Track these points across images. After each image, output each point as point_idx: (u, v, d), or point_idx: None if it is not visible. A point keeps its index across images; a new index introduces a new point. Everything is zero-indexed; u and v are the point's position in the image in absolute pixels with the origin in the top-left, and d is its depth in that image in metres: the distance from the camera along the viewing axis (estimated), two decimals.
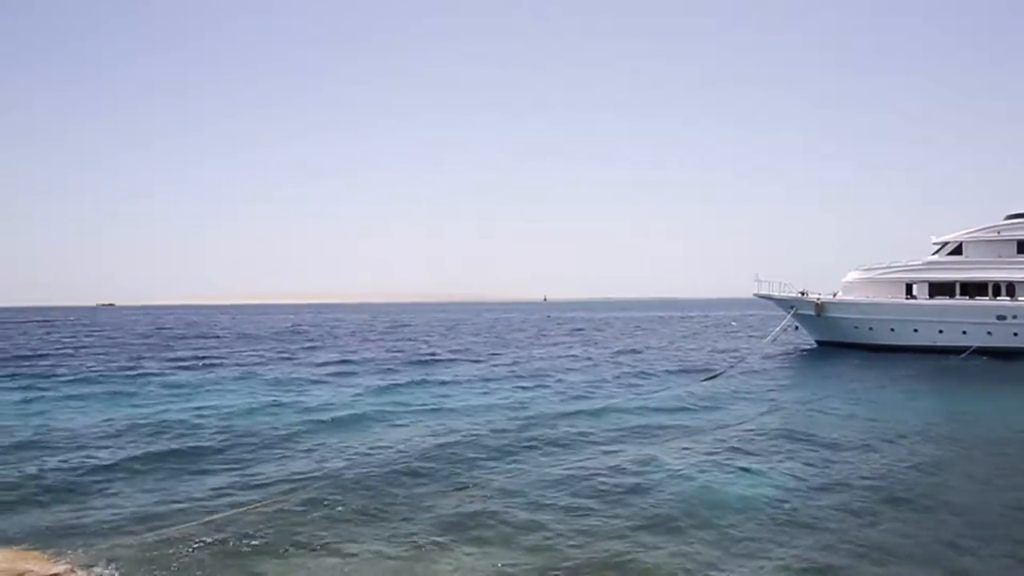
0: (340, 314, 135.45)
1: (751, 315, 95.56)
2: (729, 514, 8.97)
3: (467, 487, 10.27)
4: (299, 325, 78.07)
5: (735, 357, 32.67)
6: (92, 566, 7.15)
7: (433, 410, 17.40)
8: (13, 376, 25.19)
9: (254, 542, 7.96)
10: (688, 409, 17.75)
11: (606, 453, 12.57)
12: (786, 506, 9.29)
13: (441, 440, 13.53)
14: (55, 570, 6.69)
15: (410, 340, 48.02)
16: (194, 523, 8.54)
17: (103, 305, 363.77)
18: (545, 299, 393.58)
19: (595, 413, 16.91)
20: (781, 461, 11.86)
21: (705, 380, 24.01)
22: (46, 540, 8.01)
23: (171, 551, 7.68)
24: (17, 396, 19.92)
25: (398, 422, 15.79)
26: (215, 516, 8.76)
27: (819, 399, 19.23)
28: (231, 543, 7.92)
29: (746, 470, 11.20)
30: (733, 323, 72.99)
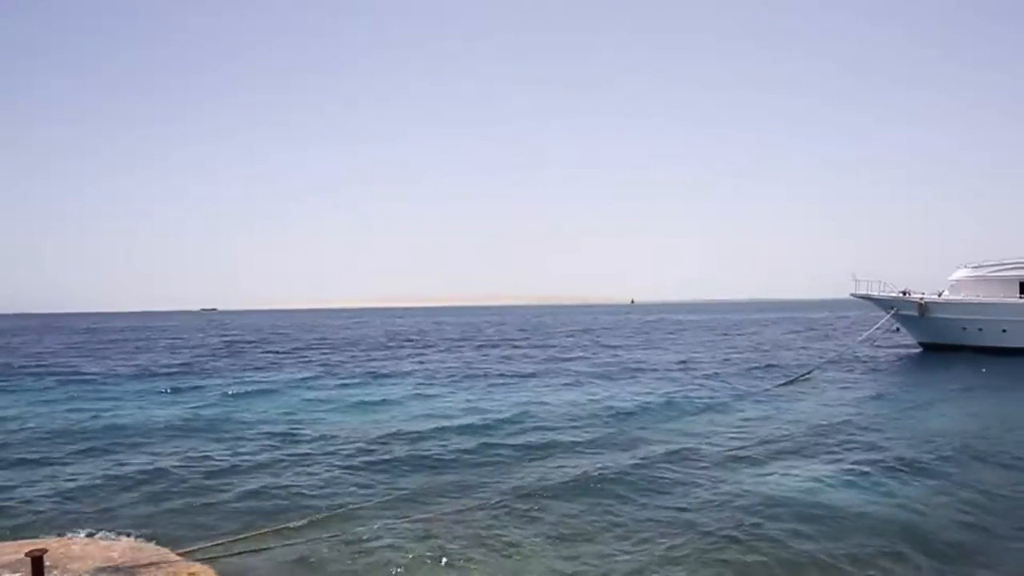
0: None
1: (847, 316, 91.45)
2: (796, 523, 8.66)
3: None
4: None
5: (827, 358, 31.34)
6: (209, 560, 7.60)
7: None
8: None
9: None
10: (766, 416, 17.18)
11: (669, 454, 12.35)
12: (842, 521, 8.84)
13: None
14: (177, 565, 7.13)
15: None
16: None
17: (206, 310, 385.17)
18: (633, 302, 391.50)
19: (664, 411, 16.67)
20: (851, 471, 11.27)
21: (786, 384, 23.21)
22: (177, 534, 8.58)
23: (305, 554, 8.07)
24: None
25: None
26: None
27: (911, 405, 18.29)
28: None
29: (817, 479, 10.79)
30: (829, 324, 70.03)
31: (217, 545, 8.08)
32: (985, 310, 33.33)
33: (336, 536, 8.38)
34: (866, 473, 11.05)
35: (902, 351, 36.37)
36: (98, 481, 11.25)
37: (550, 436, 14.35)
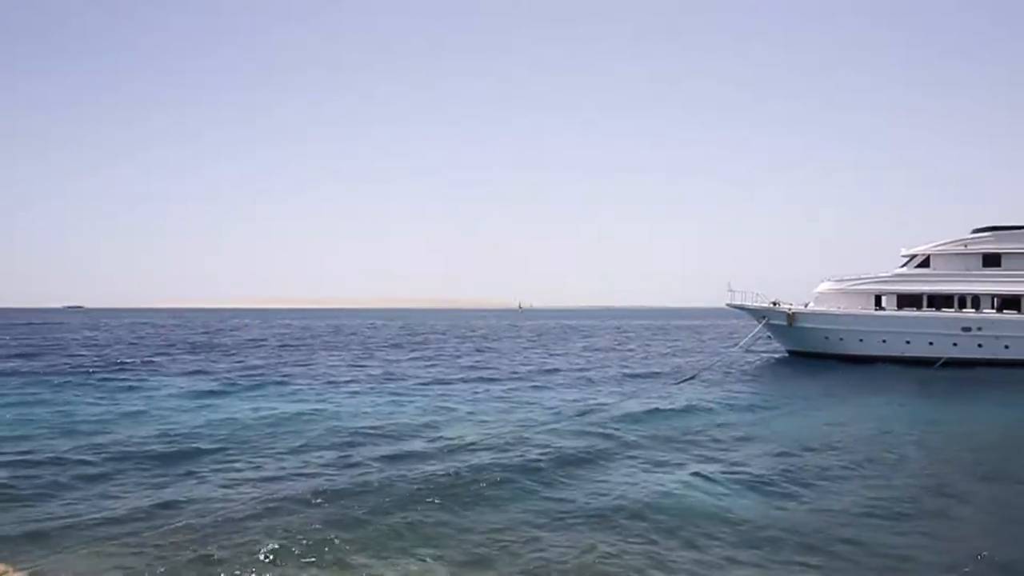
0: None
1: (725, 324, 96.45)
2: (682, 521, 9.02)
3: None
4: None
5: (702, 366, 32.92)
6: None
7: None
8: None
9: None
10: (641, 419, 17.69)
11: (560, 458, 12.62)
12: (739, 515, 9.32)
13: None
14: None
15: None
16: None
17: (71, 308, 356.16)
18: (520, 307, 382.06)
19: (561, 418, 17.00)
20: (728, 470, 11.90)
21: (674, 384, 24.16)
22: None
23: (152, 559, 7.58)
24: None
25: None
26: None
27: (777, 407, 19.65)
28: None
29: (698, 476, 11.34)
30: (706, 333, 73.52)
31: (61, 566, 7.50)
32: (845, 321, 36.11)
33: (182, 548, 7.94)
34: (710, 477, 11.71)
35: (770, 357, 38.80)
36: None
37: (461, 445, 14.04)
